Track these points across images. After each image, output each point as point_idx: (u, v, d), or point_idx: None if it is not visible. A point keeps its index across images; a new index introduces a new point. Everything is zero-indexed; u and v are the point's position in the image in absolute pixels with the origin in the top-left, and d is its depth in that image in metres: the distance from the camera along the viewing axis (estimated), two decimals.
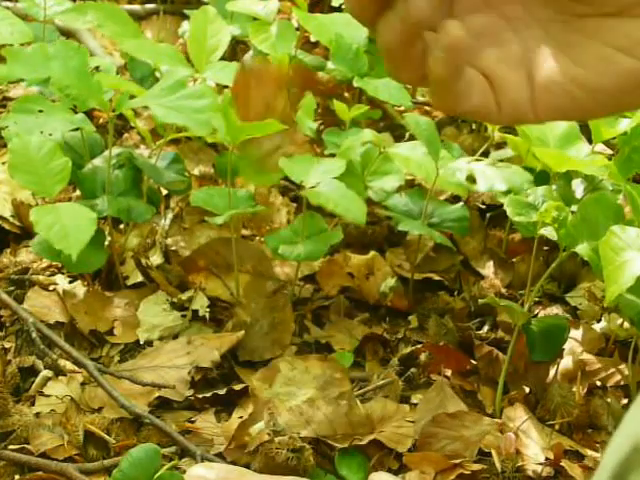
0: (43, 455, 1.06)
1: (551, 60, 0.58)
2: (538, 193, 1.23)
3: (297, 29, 1.70)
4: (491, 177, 1.28)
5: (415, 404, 1.18)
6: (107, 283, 1.33)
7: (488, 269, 1.46)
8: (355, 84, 1.59)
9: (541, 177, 1.33)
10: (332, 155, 1.37)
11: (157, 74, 1.55)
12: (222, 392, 1.16)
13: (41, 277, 1.32)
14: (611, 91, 0.57)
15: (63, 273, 1.34)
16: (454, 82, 0.56)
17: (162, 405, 1.16)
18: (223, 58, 1.41)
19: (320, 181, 1.25)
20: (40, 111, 1.23)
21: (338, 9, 1.87)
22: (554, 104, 0.58)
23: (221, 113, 1.23)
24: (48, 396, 1.15)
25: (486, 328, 1.33)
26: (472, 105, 0.57)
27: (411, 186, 1.48)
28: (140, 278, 1.34)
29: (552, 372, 1.23)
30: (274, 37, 1.60)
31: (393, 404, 1.14)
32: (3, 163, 1.48)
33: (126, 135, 1.67)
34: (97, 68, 1.37)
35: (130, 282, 1.34)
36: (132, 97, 1.25)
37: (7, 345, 1.22)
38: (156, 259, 1.38)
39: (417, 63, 0.56)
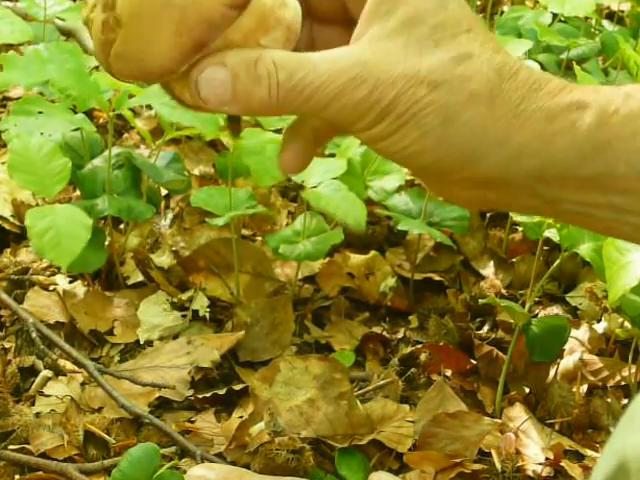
0: (43, 455, 1.06)
1: None
2: None
3: None
4: None
5: (415, 404, 1.18)
6: (107, 283, 1.33)
7: (488, 269, 1.46)
8: None
9: None
10: (332, 155, 1.37)
11: None
12: (222, 392, 1.16)
13: (41, 277, 1.32)
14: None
15: (63, 273, 1.34)
16: None
17: (162, 405, 1.16)
18: None
19: (321, 181, 1.26)
20: (40, 112, 1.23)
21: None
22: None
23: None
24: (48, 396, 1.15)
25: (486, 328, 1.33)
26: None
27: (411, 186, 1.48)
28: (140, 278, 1.34)
29: (552, 372, 1.23)
30: None
31: (393, 404, 1.14)
32: (3, 163, 1.48)
33: (126, 135, 1.67)
34: (97, 68, 1.37)
35: (130, 282, 1.34)
36: (131, 96, 1.25)
37: (7, 345, 1.22)
38: (165, 259, 1.38)
39: None
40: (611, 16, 2.19)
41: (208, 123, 1.20)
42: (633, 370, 1.22)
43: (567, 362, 1.26)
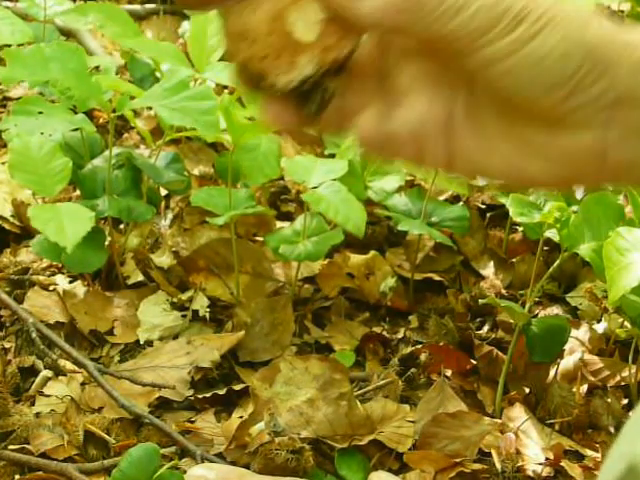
0: (43, 455, 1.06)
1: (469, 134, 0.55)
2: (540, 192, 1.23)
3: None
4: None
5: (415, 404, 1.18)
6: (107, 283, 1.33)
7: (488, 269, 1.46)
8: None
9: None
10: (332, 155, 1.38)
11: (157, 74, 1.55)
12: (222, 392, 1.16)
13: (41, 277, 1.32)
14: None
15: (63, 273, 1.35)
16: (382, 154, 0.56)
17: (162, 405, 1.16)
18: (223, 58, 1.42)
19: (322, 182, 1.26)
20: (40, 112, 1.23)
21: None
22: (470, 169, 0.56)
23: (222, 113, 1.23)
24: (48, 396, 1.15)
25: (486, 328, 1.33)
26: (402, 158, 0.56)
27: (411, 186, 1.48)
28: (140, 278, 1.34)
29: (552, 372, 1.23)
30: None
31: (393, 404, 1.14)
32: (3, 163, 1.48)
33: (126, 135, 1.67)
34: (97, 68, 1.38)
35: (130, 282, 1.34)
36: (132, 98, 1.25)
37: (7, 345, 1.22)
38: (165, 259, 1.38)
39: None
40: (611, 16, 2.19)
41: (209, 126, 1.20)
42: (633, 370, 1.22)
43: (567, 362, 1.26)
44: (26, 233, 1.40)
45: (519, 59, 0.51)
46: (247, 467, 1.04)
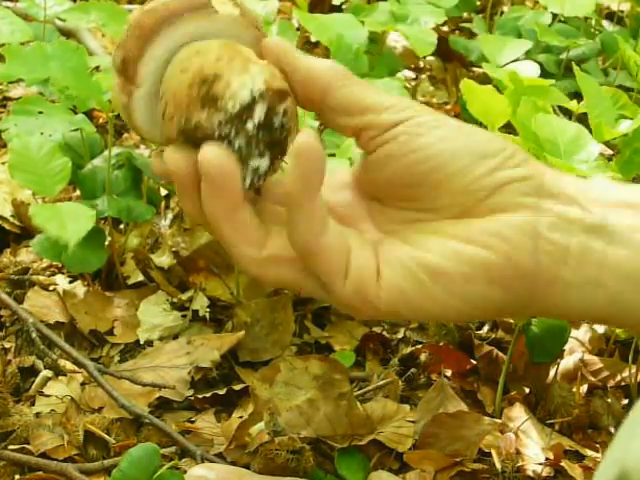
0: (43, 455, 1.06)
1: (398, 244, 0.61)
2: None
3: (297, 29, 1.70)
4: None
5: (415, 404, 1.18)
6: (107, 283, 1.33)
7: None
8: None
9: None
10: (332, 155, 1.37)
11: None
12: (222, 392, 1.16)
13: (41, 277, 1.32)
14: (455, 276, 0.59)
15: (63, 273, 1.35)
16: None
17: (162, 405, 1.16)
18: None
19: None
20: (40, 112, 1.23)
21: (338, 9, 1.87)
22: (397, 284, 0.59)
23: None
24: (48, 396, 1.15)
25: (486, 328, 1.33)
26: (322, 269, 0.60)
27: None
28: (140, 278, 1.34)
29: (552, 372, 1.23)
30: (274, 37, 1.59)
31: (393, 404, 1.14)
32: (3, 163, 1.48)
33: (126, 135, 1.67)
34: (97, 68, 1.38)
35: (130, 282, 1.34)
36: None
37: (7, 345, 1.22)
38: (165, 259, 1.37)
39: None
40: (611, 16, 2.19)
41: None
42: (633, 370, 1.22)
43: (567, 362, 1.26)
44: (26, 233, 1.40)
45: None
46: (247, 467, 1.04)
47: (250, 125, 0.58)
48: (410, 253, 0.60)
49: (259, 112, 0.58)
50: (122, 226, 1.40)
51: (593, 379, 1.24)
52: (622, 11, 2.19)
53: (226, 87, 0.58)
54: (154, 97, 0.61)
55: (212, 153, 0.57)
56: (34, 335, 1.18)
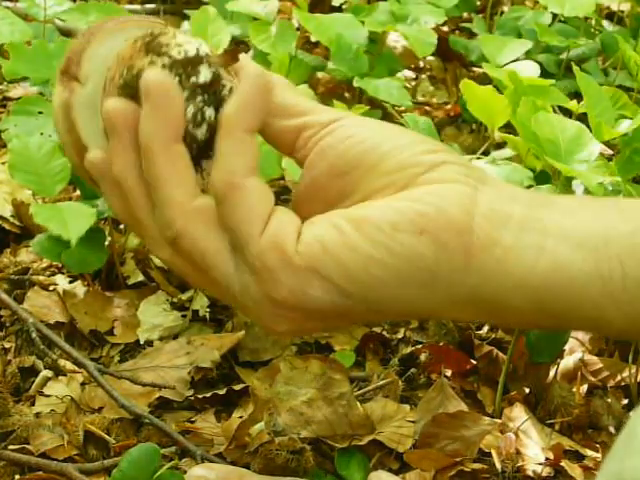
0: (43, 455, 1.06)
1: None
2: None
3: (297, 29, 1.70)
4: (491, 174, 1.28)
5: (415, 404, 1.18)
6: (107, 283, 1.33)
7: None
8: (355, 84, 1.59)
9: (542, 177, 1.33)
10: None
11: None
12: (222, 392, 1.16)
13: (41, 277, 1.32)
14: (381, 224, 0.55)
15: (63, 273, 1.34)
16: None
17: (162, 405, 1.16)
18: None
19: None
20: (40, 112, 1.23)
21: (338, 9, 1.87)
22: (318, 235, 0.55)
23: None
24: (48, 396, 1.15)
25: (486, 328, 1.33)
26: None
27: None
28: (140, 278, 1.34)
29: (552, 372, 1.23)
30: (274, 37, 1.60)
31: (393, 404, 1.14)
32: (3, 163, 1.48)
33: None
34: None
35: (130, 282, 1.34)
36: None
37: (7, 345, 1.22)
38: None
39: None
40: (611, 16, 2.19)
41: None
42: (633, 370, 1.22)
43: (567, 362, 1.26)
44: (26, 233, 1.40)
45: None
46: (247, 467, 1.04)
47: (194, 79, 0.56)
48: (338, 212, 0.57)
49: (205, 73, 0.56)
50: (122, 226, 1.40)
51: (593, 379, 1.24)
52: (622, 11, 2.19)
53: (172, 38, 0.56)
54: (94, 106, 0.59)
55: (156, 75, 0.55)
56: (34, 335, 1.18)
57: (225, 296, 0.60)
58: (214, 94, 0.57)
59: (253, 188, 0.56)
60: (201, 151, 0.58)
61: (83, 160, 0.59)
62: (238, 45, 0.58)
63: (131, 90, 0.56)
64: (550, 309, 0.55)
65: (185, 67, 0.55)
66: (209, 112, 0.57)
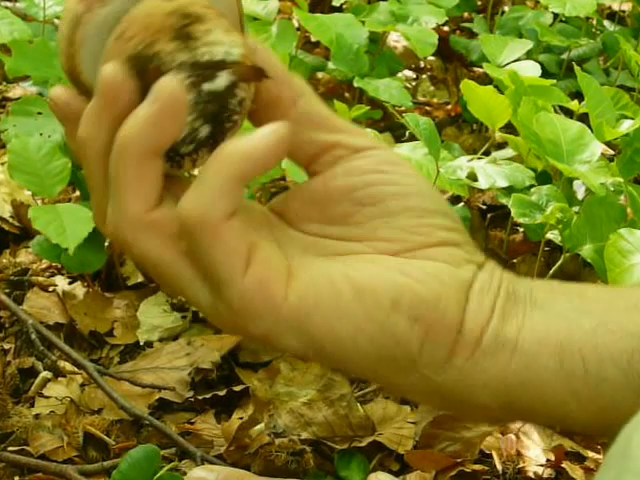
0: (43, 457, 1.06)
1: (321, 259, 0.55)
2: (542, 192, 1.22)
3: (297, 29, 1.70)
4: (492, 174, 1.28)
5: (416, 405, 1.17)
6: (107, 284, 1.33)
7: None
8: (356, 84, 1.58)
9: (543, 177, 1.33)
10: None
11: None
12: (222, 393, 1.16)
13: (40, 278, 1.32)
14: (382, 299, 0.52)
15: (63, 274, 1.34)
16: None
17: (162, 406, 1.16)
18: None
19: None
20: (39, 113, 1.23)
21: (339, 9, 1.87)
22: (314, 288, 0.52)
23: None
24: (48, 397, 1.15)
25: None
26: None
27: None
28: (140, 279, 1.34)
29: None
30: (274, 37, 1.59)
31: (394, 405, 1.13)
32: (2, 164, 1.48)
33: None
34: None
35: (130, 283, 1.34)
36: None
37: (6, 346, 1.21)
38: None
39: None
40: (612, 16, 2.19)
41: None
42: None
43: None
44: (25, 234, 1.40)
45: None
46: (247, 468, 1.04)
47: (205, 87, 0.52)
48: (335, 265, 0.53)
49: (221, 80, 0.53)
50: None
51: None
52: (623, 11, 2.19)
53: (206, 33, 0.53)
54: (109, 29, 0.53)
55: (175, 88, 0.50)
56: (33, 336, 1.18)
57: (183, 296, 0.55)
58: (223, 102, 0.54)
59: (232, 228, 0.50)
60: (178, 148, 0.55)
61: (75, 81, 0.56)
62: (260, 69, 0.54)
63: (140, 66, 0.52)
64: (517, 407, 0.55)
65: (203, 70, 0.52)
66: (204, 131, 0.54)
